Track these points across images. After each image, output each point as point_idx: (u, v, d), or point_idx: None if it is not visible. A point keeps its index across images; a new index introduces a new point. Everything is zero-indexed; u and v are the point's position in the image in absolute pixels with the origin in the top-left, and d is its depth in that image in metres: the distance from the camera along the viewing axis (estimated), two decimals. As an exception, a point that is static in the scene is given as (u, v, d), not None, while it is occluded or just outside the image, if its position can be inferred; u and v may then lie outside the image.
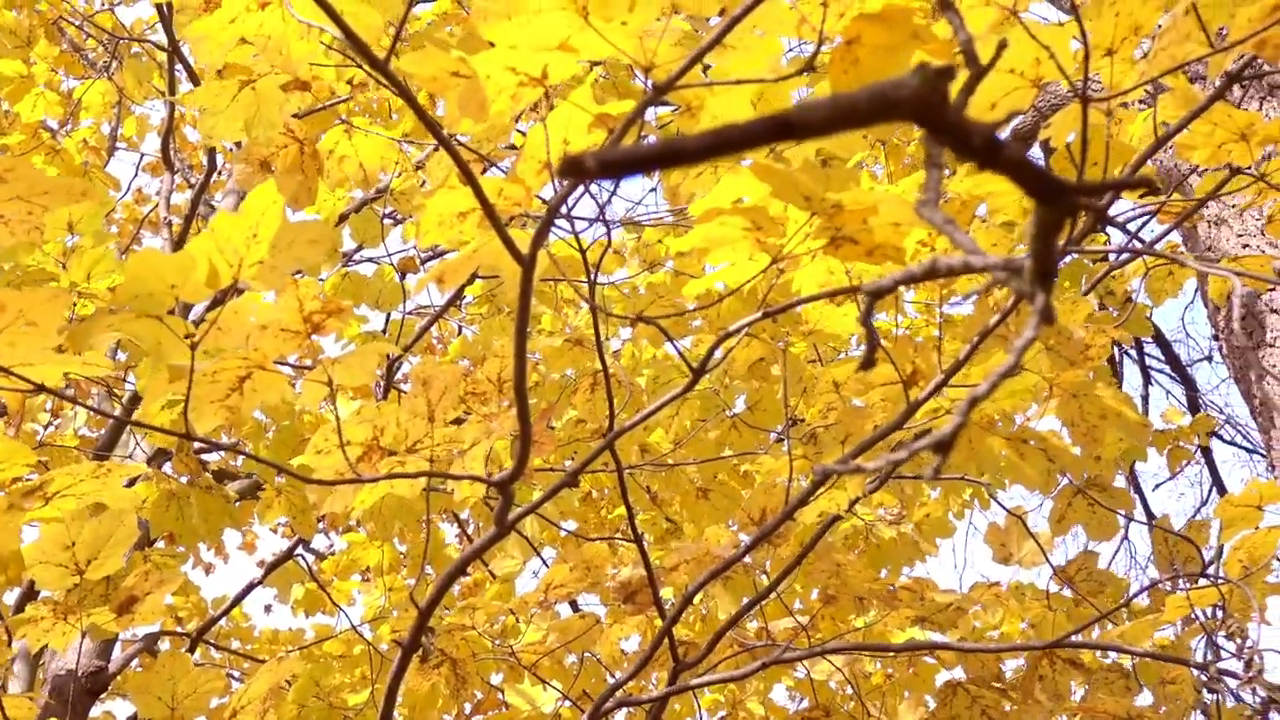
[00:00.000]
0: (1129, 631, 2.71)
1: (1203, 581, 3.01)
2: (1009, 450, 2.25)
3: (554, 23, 1.49)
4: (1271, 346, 4.59)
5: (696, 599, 6.06)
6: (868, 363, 0.90)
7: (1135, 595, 3.25)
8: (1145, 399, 9.96)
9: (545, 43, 1.52)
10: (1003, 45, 1.00)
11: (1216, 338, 5.57)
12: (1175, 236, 5.64)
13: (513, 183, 1.76)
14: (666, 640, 2.95)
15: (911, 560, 4.19)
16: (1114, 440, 3.43)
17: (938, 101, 0.65)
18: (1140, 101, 3.25)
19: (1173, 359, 9.64)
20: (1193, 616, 2.81)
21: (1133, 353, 9.82)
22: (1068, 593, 3.49)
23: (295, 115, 2.86)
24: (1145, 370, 9.96)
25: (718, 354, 2.76)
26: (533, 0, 1.45)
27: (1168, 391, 15.15)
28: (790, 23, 1.52)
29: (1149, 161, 2.06)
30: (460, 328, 7.07)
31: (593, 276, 2.65)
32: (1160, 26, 1.70)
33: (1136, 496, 8.53)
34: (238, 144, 3.17)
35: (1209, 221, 5.12)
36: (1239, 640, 2.67)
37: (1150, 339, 9.64)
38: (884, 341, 2.26)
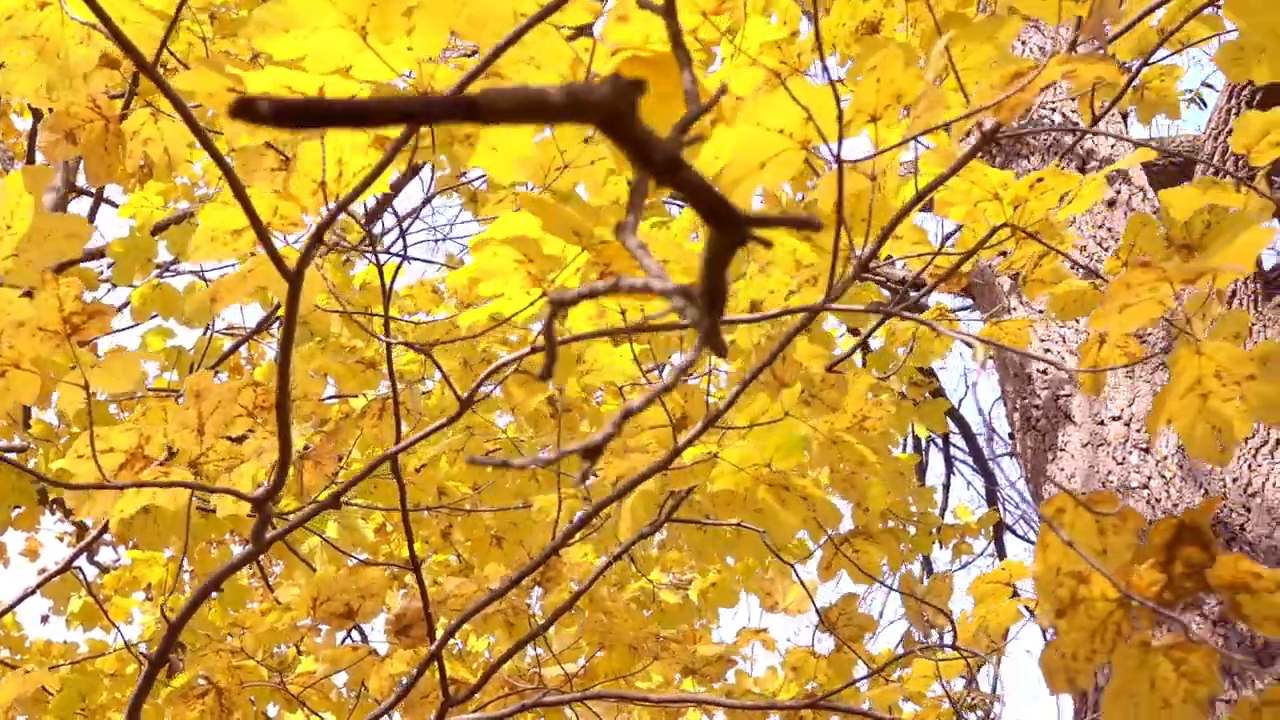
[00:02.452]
0: (877, 695, 2.80)
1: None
2: (769, 497, 2.32)
3: (331, 42, 1.50)
4: (1062, 450, 4.72)
5: (483, 644, 6.02)
6: (546, 373, 0.93)
7: (891, 662, 3.35)
8: (947, 488, 10.28)
9: (321, 63, 1.54)
10: (721, 91, 1.06)
11: (1013, 436, 5.76)
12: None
13: (286, 200, 1.77)
14: (439, 677, 2.96)
15: (692, 624, 4.26)
16: (880, 494, 3.54)
17: (625, 111, 0.67)
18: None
19: (976, 451, 9.95)
20: (941, 685, 2.91)
21: (939, 442, 10.11)
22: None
23: (111, 95, 2.84)
24: (949, 460, 10.27)
25: (495, 389, 2.79)
26: (312, 15, 1.47)
27: (969, 482, 15.59)
28: (566, 58, 1.57)
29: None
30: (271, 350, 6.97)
31: (386, 300, 2.67)
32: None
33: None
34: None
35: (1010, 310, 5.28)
36: (981, 710, 2.77)
37: (956, 431, 9.95)
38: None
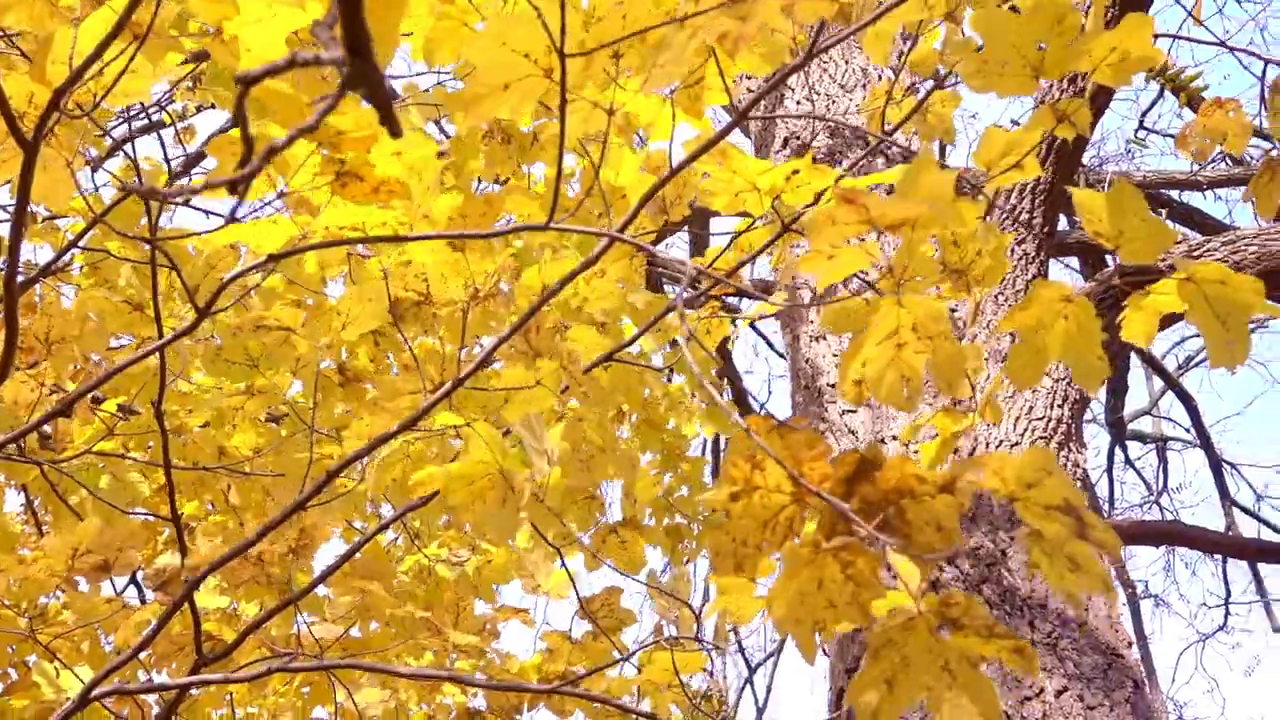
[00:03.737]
0: (614, 685, 2.82)
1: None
2: (494, 496, 2.31)
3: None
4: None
5: (253, 609, 5.91)
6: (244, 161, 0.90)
7: (635, 651, 3.37)
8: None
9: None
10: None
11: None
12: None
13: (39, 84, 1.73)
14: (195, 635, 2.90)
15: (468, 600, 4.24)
16: (647, 484, 3.56)
17: None
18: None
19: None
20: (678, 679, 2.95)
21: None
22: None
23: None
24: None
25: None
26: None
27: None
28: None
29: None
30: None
31: (152, 230, 2.59)
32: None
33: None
34: None
35: (810, 337, 5.38)
36: (715, 704, 2.81)
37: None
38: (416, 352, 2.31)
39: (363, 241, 1.67)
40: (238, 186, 0.72)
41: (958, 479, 1.24)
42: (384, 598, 3.13)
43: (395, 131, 0.73)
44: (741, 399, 9.93)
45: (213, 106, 5.17)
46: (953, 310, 4.63)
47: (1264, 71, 10.57)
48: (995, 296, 5.05)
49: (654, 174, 2.29)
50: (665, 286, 8.03)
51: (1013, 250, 5.15)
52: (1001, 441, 4.59)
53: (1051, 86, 4.90)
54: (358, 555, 3.26)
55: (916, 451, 4.42)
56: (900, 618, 1.31)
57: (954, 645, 1.31)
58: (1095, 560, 1.25)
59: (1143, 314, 1.91)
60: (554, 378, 2.13)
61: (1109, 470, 12.20)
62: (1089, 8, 1.92)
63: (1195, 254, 5.86)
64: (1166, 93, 9.47)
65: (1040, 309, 1.90)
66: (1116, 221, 1.77)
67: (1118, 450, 12.35)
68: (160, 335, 2.67)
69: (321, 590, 3.92)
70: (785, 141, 5.92)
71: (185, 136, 5.61)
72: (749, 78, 6.05)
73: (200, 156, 6.41)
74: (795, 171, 1.94)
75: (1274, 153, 2.50)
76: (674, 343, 3.47)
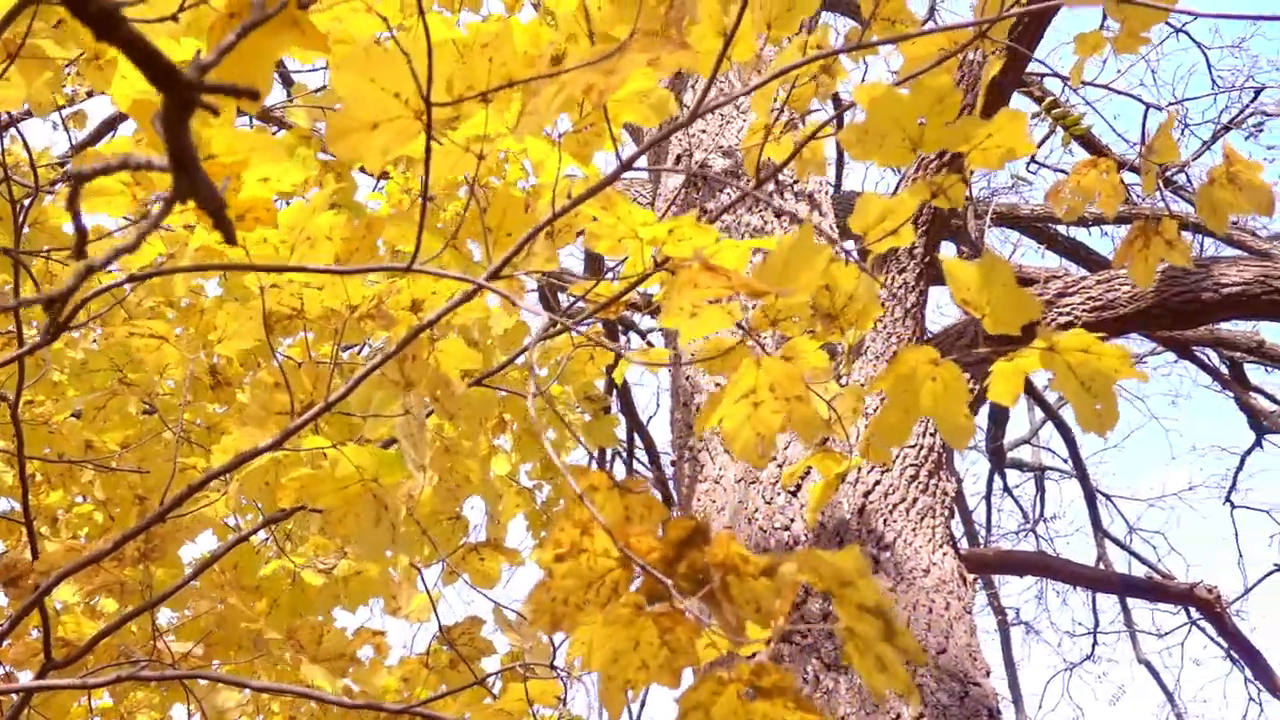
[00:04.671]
0: (476, 712, 2.81)
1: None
2: (366, 513, 2.30)
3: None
4: (716, 483, 4.85)
5: (113, 605, 5.78)
6: (78, 252, 0.87)
7: (488, 677, 3.36)
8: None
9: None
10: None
11: (674, 463, 5.86)
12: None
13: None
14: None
15: (330, 608, 4.19)
16: (512, 506, 3.56)
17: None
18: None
19: (658, 468, 10.15)
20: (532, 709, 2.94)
21: (624, 455, 10.28)
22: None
23: None
24: (630, 473, 10.44)
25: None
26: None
27: (652, 498, 15.89)
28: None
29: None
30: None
31: (17, 238, 2.54)
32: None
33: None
34: None
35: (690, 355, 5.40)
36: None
37: (642, 447, 10.14)
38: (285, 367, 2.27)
39: (232, 269, 1.64)
40: (56, 305, 0.71)
41: (778, 567, 1.26)
42: (241, 611, 3.08)
43: (229, 238, 0.72)
44: (630, 411, 9.94)
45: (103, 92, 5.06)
46: (833, 351, 4.68)
47: (1145, 114, 10.77)
48: (875, 322, 5.11)
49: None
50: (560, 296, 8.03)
51: (893, 279, 5.22)
52: (873, 468, 4.64)
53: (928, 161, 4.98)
54: (220, 559, 3.21)
55: (798, 485, 4.46)
56: (711, 682, 1.32)
57: (759, 711, 1.32)
58: (900, 664, 1.27)
59: (1008, 378, 1.94)
60: (421, 409, 2.11)
61: (987, 497, 12.42)
62: (970, 88, 1.96)
63: (1070, 291, 5.97)
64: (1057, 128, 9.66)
65: (909, 371, 1.92)
66: (984, 292, 1.81)
67: (997, 477, 12.58)
68: (21, 344, 2.61)
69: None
70: (678, 159, 5.94)
71: (75, 123, 5.47)
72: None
73: (90, 142, 6.28)
74: (675, 228, 1.95)
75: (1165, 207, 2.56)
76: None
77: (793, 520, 4.34)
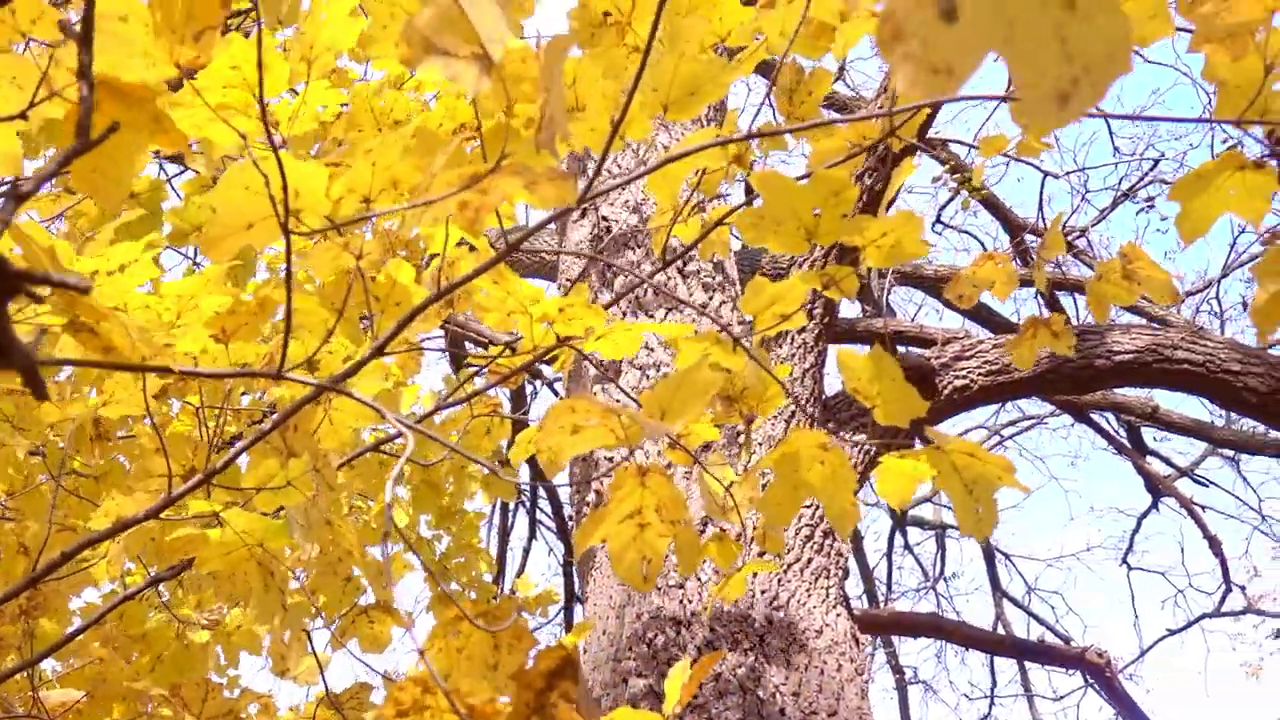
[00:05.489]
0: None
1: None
2: (255, 578, 2.27)
3: None
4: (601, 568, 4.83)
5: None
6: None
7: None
8: (527, 552, 10.40)
9: None
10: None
11: (573, 518, 5.82)
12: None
13: None
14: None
15: (206, 667, 4.11)
16: (401, 566, 3.53)
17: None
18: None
19: (561, 521, 10.12)
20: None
21: (527, 505, 10.24)
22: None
23: None
24: (533, 523, 10.40)
25: None
26: None
27: (550, 548, 15.80)
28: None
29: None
30: None
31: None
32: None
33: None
34: None
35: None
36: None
37: (546, 497, 10.10)
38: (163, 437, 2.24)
39: (112, 368, 1.61)
40: None
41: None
42: (120, 669, 3.02)
43: (40, 395, 0.71)
44: (533, 459, 9.89)
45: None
46: (737, 431, 4.71)
47: (1042, 181, 11.02)
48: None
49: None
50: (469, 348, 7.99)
51: (791, 338, 5.25)
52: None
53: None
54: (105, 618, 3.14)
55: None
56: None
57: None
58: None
59: (897, 478, 1.95)
60: (305, 480, 2.09)
61: (888, 555, 12.51)
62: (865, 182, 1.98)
63: (968, 354, 6.05)
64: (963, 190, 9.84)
65: (798, 453, 1.93)
66: (875, 384, 1.82)
67: (898, 535, 12.67)
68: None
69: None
70: (584, 213, 5.95)
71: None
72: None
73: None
74: (568, 306, 1.95)
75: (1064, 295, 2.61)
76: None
77: (691, 614, 4.31)
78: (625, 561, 1.75)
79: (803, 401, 5.10)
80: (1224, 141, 10.59)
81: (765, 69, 7.65)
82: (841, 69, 10.51)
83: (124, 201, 1.88)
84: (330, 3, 1.75)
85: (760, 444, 4.81)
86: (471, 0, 1.14)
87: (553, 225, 7.22)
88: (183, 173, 5.66)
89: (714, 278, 5.49)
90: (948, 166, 9.26)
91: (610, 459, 5.01)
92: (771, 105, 2.19)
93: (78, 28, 1.14)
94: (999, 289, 2.48)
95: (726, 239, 2.46)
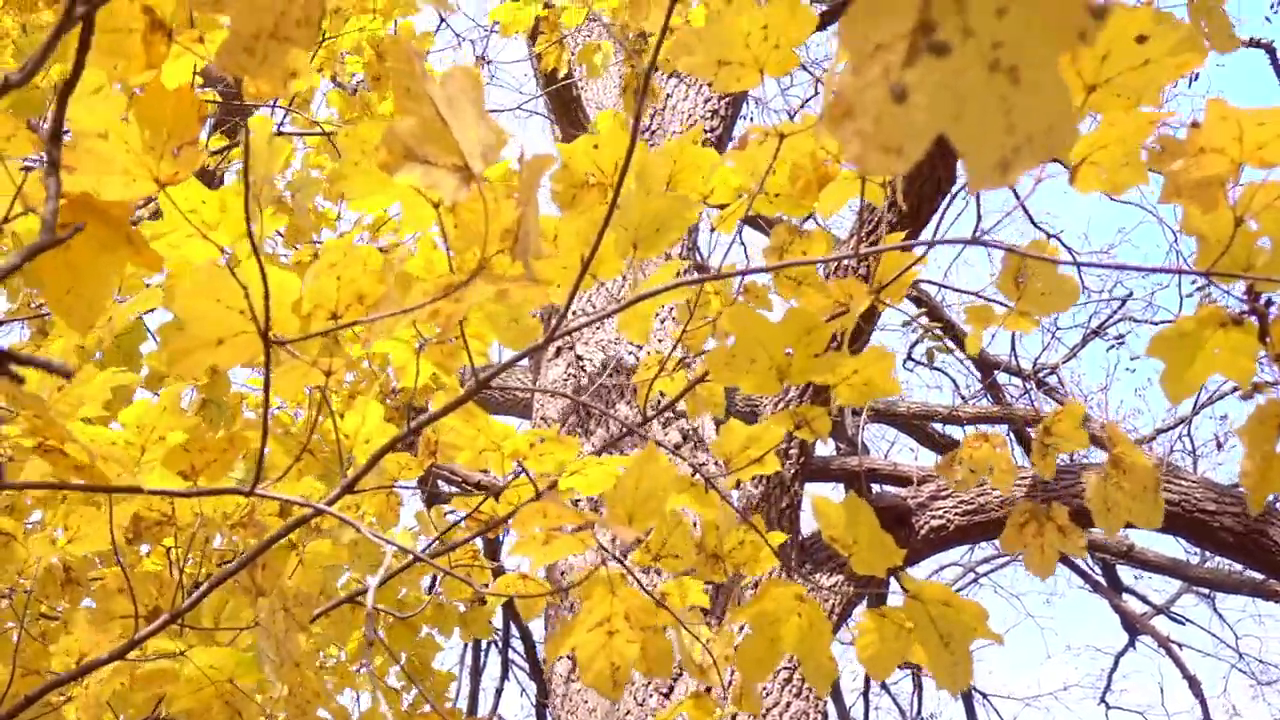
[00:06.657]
0: None
1: None
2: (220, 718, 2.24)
3: None
4: (570, 689, 4.78)
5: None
6: None
7: None
8: (499, 692, 10.24)
9: None
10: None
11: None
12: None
13: None
14: None
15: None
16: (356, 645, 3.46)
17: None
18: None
19: (534, 661, 9.98)
20: None
21: (499, 643, 10.12)
22: None
23: None
24: (505, 664, 10.26)
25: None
26: None
27: (523, 689, 15.59)
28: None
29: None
30: None
31: None
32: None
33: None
34: None
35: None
36: None
37: (518, 635, 9.99)
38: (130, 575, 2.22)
39: (83, 489, 1.60)
40: None
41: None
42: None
43: None
44: (508, 599, 9.79)
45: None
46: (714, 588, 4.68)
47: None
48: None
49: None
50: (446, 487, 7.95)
51: (765, 478, 5.24)
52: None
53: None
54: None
55: (670, 688, 4.40)
56: None
57: None
58: None
59: (879, 645, 1.88)
60: (275, 620, 2.06)
61: (865, 694, 12.33)
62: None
63: (943, 494, 6.06)
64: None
65: (773, 604, 1.91)
66: (850, 532, 1.81)
67: (874, 673, 12.47)
68: None
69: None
70: (558, 351, 5.96)
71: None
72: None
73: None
74: (540, 440, 1.95)
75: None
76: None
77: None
78: (594, 670, 1.73)
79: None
80: (1193, 283, 10.75)
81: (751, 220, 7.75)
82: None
83: (99, 328, 1.88)
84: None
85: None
86: (454, 112, 1.16)
87: (527, 363, 7.24)
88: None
89: (690, 424, 5.49)
90: (921, 311, 9.35)
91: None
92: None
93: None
94: (998, 478, 2.41)
95: (720, 399, 2.44)
